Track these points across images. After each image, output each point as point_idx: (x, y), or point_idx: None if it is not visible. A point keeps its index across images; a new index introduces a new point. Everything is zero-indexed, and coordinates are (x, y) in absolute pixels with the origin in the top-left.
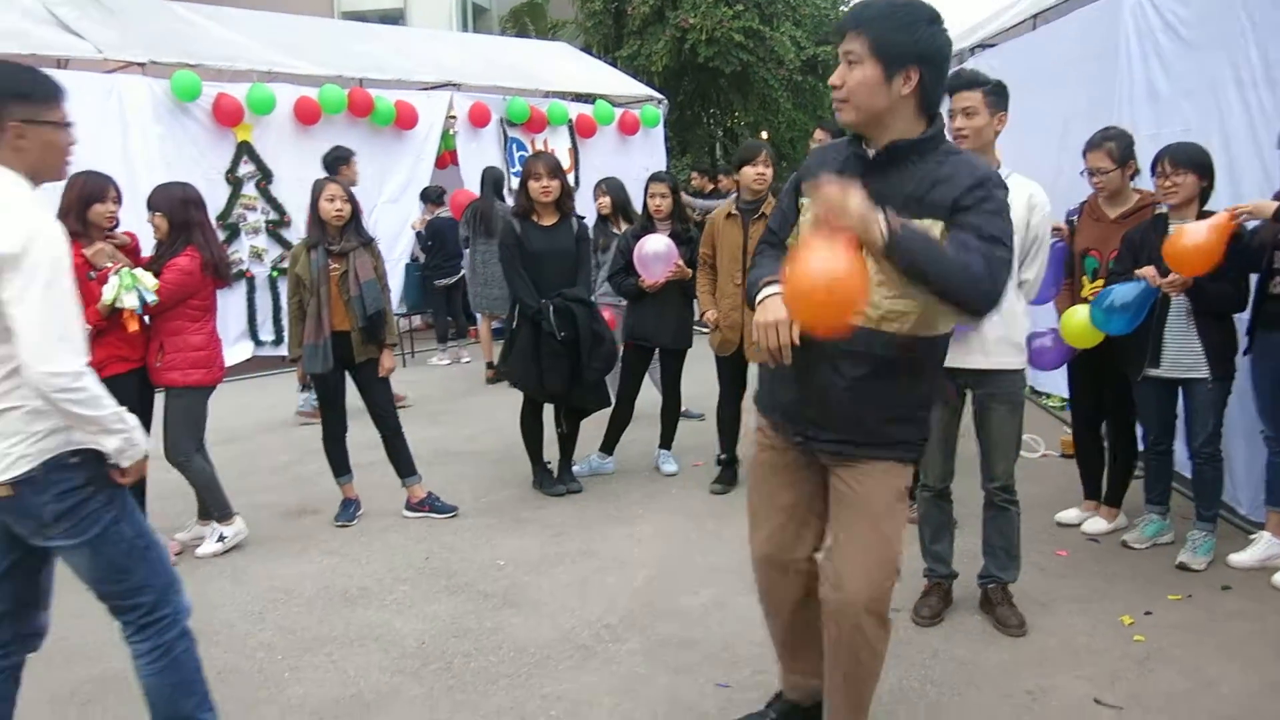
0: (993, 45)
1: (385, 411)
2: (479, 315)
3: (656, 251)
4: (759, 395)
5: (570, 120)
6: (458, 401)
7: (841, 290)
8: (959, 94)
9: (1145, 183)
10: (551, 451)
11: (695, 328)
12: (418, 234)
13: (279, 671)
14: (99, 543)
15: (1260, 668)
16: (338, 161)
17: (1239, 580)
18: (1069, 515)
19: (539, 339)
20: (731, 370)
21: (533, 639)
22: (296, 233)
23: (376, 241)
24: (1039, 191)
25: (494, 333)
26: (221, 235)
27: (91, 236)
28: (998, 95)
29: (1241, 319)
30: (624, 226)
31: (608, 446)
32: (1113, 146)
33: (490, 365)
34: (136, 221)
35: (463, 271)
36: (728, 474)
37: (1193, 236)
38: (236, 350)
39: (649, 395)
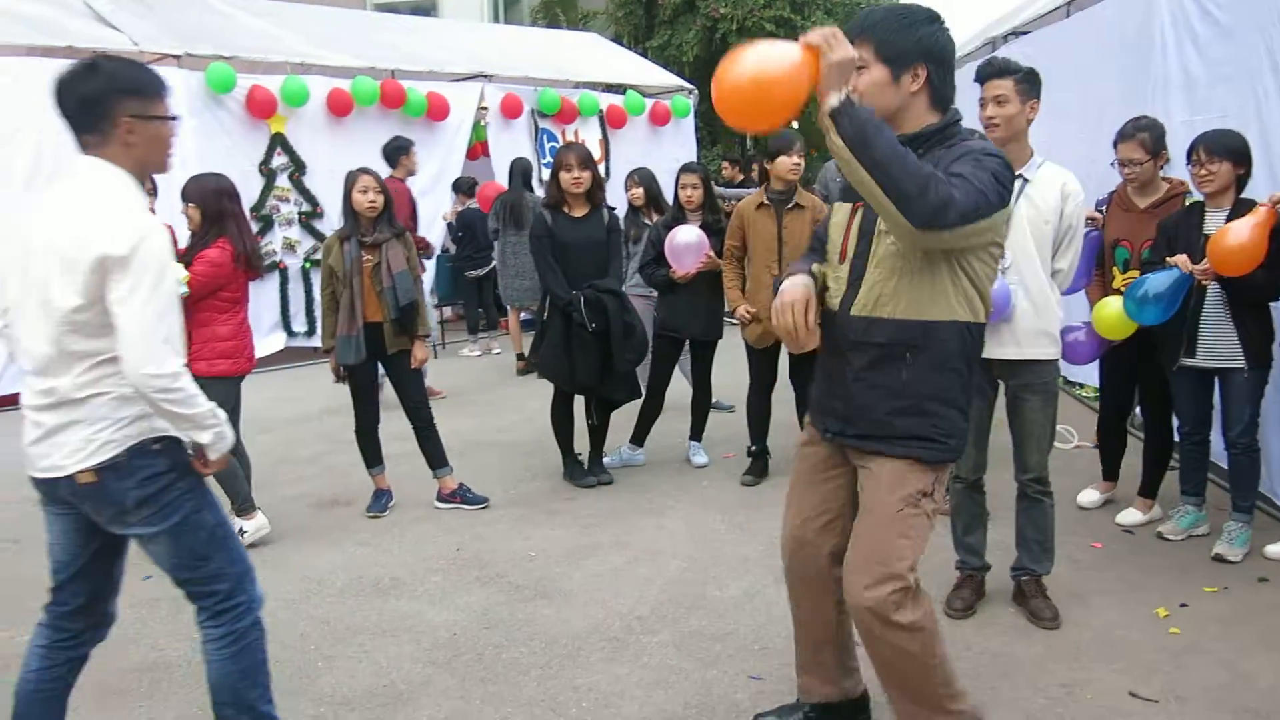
0: (1026, 33)
1: (418, 403)
2: (508, 307)
3: (688, 242)
4: (811, 389)
5: (601, 111)
6: (489, 393)
7: (765, 89)
8: (990, 82)
9: (1177, 171)
10: (582, 443)
11: (726, 319)
12: (448, 225)
13: (312, 661)
14: (180, 530)
15: None
16: (397, 151)
17: (1276, 572)
18: (1088, 497)
19: (570, 330)
20: (763, 362)
21: (564, 630)
22: (329, 224)
23: (409, 233)
24: (1072, 180)
25: (523, 324)
26: (255, 227)
27: None
28: (1029, 83)
29: (1278, 308)
30: (655, 217)
31: (638, 438)
32: (1145, 137)
33: (520, 357)
34: (172, 213)
35: (493, 263)
36: (758, 466)
37: (1236, 236)
38: (269, 341)
39: (679, 387)
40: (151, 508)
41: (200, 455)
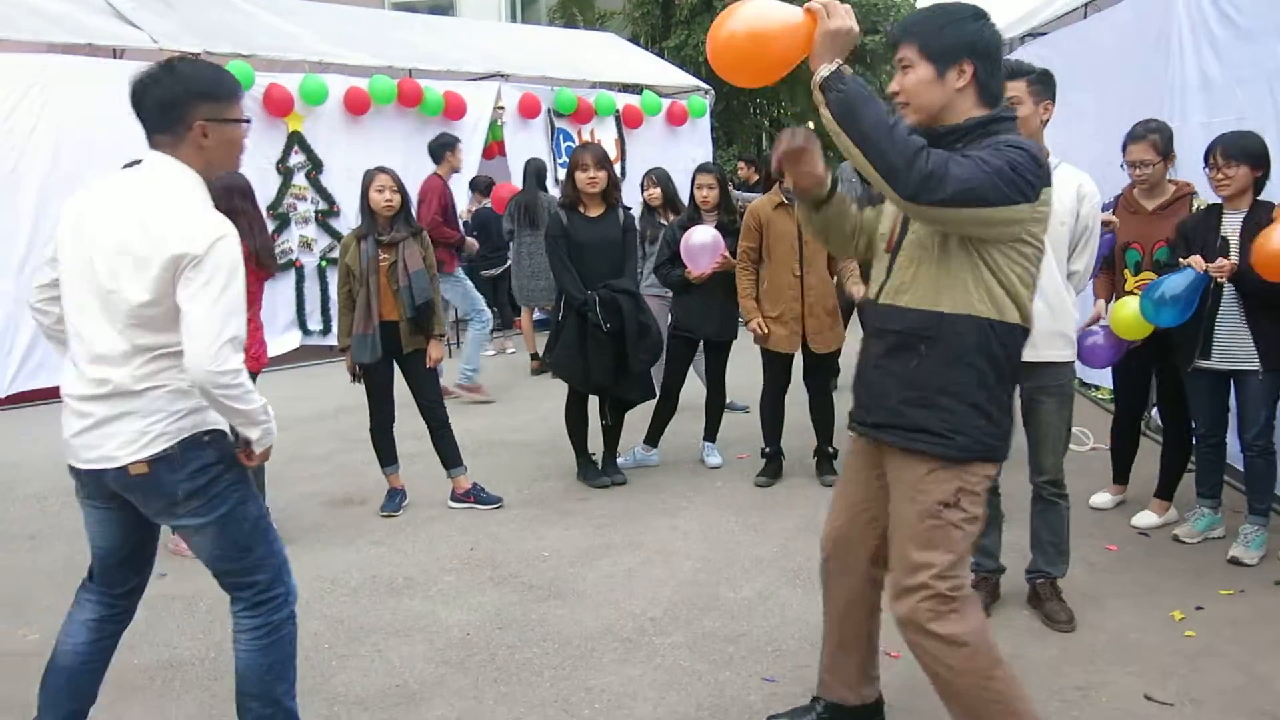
0: (1044, 34)
1: (433, 403)
2: (522, 307)
3: (703, 243)
4: None
5: (617, 111)
6: (503, 392)
7: (761, 43)
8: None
9: (1184, 173)
10: (596, 443)
11: (740, 320)
12: (464, 223)
13: (325, 660)
14: (226, 521)
15: None
16: (443, 148)
17: None
18: (1100, 499)
19: (585, 330)
20: (778, 364)
21: (577, 631)
22: (345, 222)
23: (425, 232)
24: (1088, 181)
25: (537, 324)
26: (272, 225)
27: None
28: (1043, 84)
29: None
30: (671, 218)
31: (652, 438)
32: (1156, 139)
33: (534, 357)
34: None
35: (508, 263)
36: (772, 467)
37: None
38: (285, 340)
39: (693, 387)
40: (200, 499)
41: (246, 448)
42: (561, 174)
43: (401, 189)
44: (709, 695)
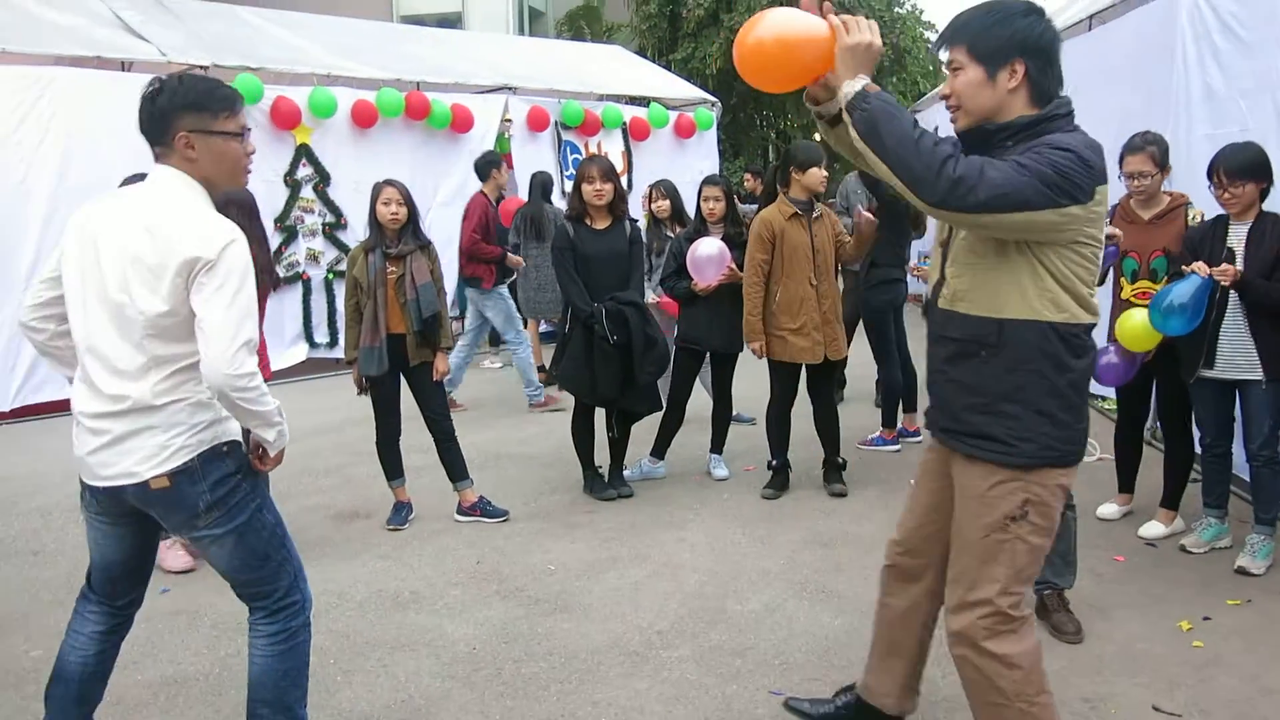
0: None
1: (439, 415)
2: (528, 319)
3: (709, 255)
4: None
5: (624, 123)
6: (509, 405)
7: (789, 50)
8: None
9: (1179, 184)
10: (602, 456)
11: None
12: None
13: (331, 675)
14: (245, 529)
15: None
16: (489, 165)
17: None
18: (1107, 510)
19: (591, 343)
20: (785, 377)
21: (583, 645)
22: (353, 235)
23: (433, 245)
24: None
25: (543, 336)
26: (279, 238)
27: None
28: None
29: None
30: (677, 229)
31: (659, 451)
32: (1155, 150)
33: (541, 369)
34: None
35: (514, 275)
36: (779, 480)
37: None
38: (291, 353)
39: (700, 399)
40: (220, 510)
41: (259, 452)
42: (568, 186)
43: (409, 202)
44: (716, 709)
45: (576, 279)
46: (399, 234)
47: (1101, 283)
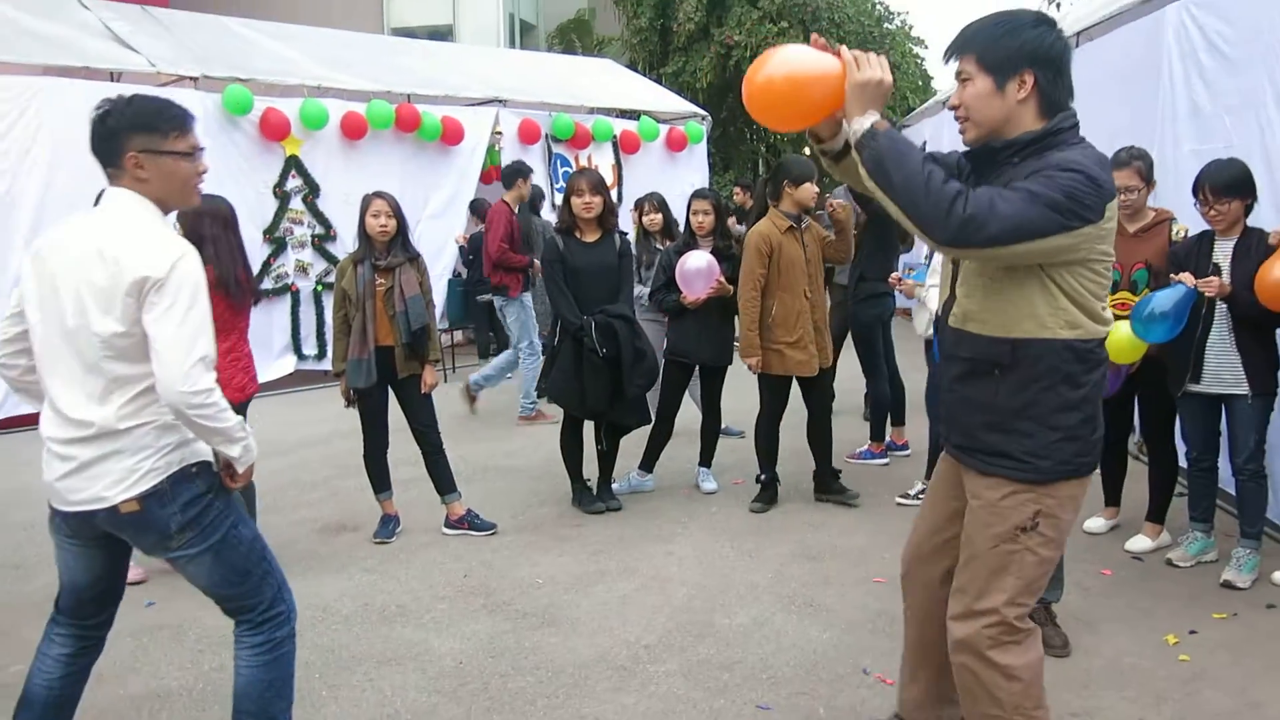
0: None
1: (427, 428)
2: None
3: (698, 268)
4: None
5: (615, 136)
6: (497, 418)
7: (799, 88)
8: None
9: (1163, 199)
10: (591, 469)
11: (736, 344)
12: (460, 248)
13: (316, 690)
14: (221, 547)
15: None
16: (515, 175)
17: None
18: (1094, 524)
19: (580, 355)
20: (776, 390)
21: (570, 659)
22: (342, 247)
23: (422, 257)
24: None
25: None
26: (268, 249)
27: None
28: None
29: None
30: (667, 243)
31: (647, 464)
32: (1141, 165)
33: None
34: None
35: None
36: (767, 494)
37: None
38: (280, 364)
39: (689, 412)
40: (193, 530)
41: (228, 470)
42: (559, 199)
43: (398, 214)
44: None
45: (566, 292)
46: (388, 246)
47: None
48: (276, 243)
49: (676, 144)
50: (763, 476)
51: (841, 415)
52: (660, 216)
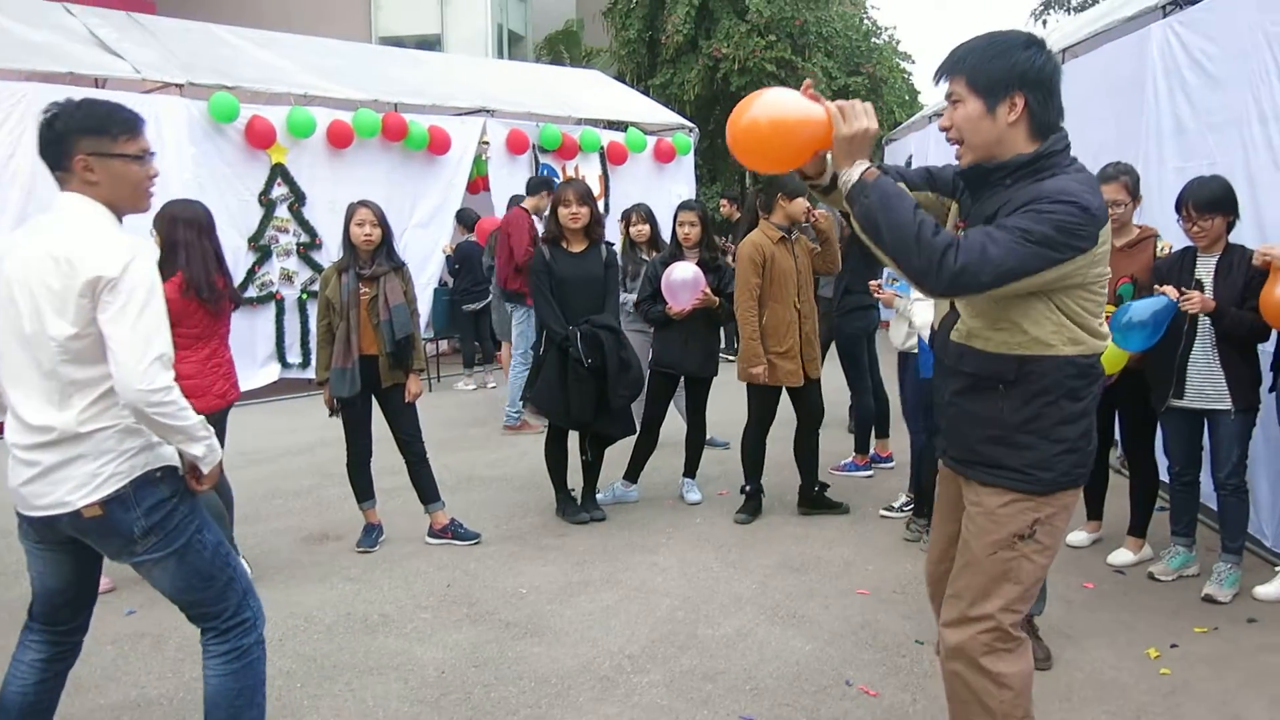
0: None
1: (411, 437)
2: (502, 341)
3: (684, 279)
4: None
5: (602, 147)
6: (482, 427)
7: (783, 133)
8: None
9: (1149, 215)
10: (575, 479)
11: (721, 356)
12: (446, 258)
13: (298, 700)
14: (185, 551)
15: None
16: (541, 185)
17: (1265, 612)
18: (1077, 538)
19: (566, 366)
20: (765, 401)
21: (553, 669)
22: (327, 256)
23: (407, 266)
24: None
25: None
26: (253, 257)
27: None
28: None
29: (1266, 352)
30: (653, 254)
31: (632, 474)
32: (1128, 180)
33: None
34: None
35: (490, 297)
36: (751, 504)
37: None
38: (264, 373)
39: (674, 423)
40: (157, 535)
41: (194, 472)
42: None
43: (383, 223)
44: None
45: (552, 302)
46: (373, 255)
47: None
48: (261, 251)
49: (664, 155)
50: (748, 487)
51: (826, 428)
52: (647, 228)
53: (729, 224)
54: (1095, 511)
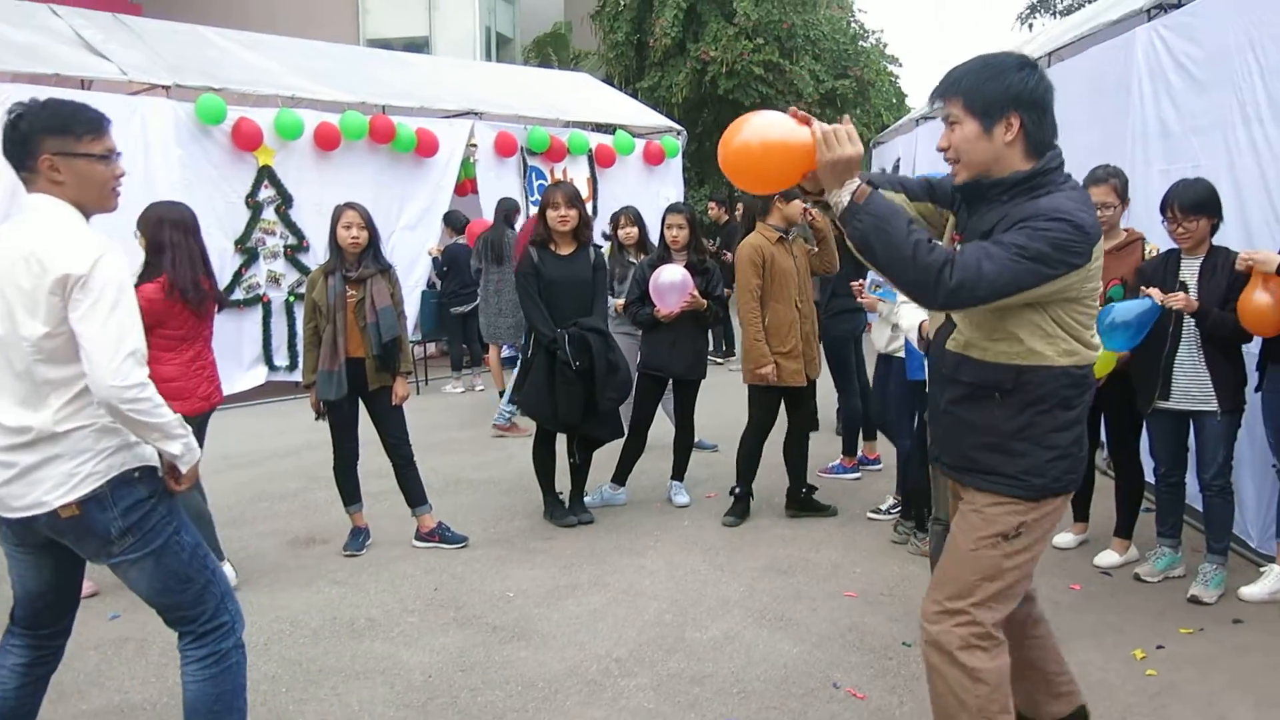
0: None
1: (398, 440)
2: (490, 344)
3: (672, 281)
4: None
5: (590, 150)
6: (470, 430)
7: (773, 155)
8: None
9: (1135, 219)
10: (563, 482)
11: (710, 358)
12: (434, 260)
13: (283, 705)
14: (163, 552)
15: (1273, 702)
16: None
17: (1250, 613)
18: (1063, 539)
19: (554, 368)
20: (769, 401)
21: (541, 673)
22: (314, 258)
23: (394, 268)
24: None
25: (505, 360)
26: (239, 259)
27: None
28: None
29: (1251, 353)
30: (641, 256)
31: (620, 477)
32: (1117, 183)
33: (502, 394)
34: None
35: (479, 300)
36: (740, 507)
37: (1260, 300)
38: (250, 375)
39: (662, 426)
40: (134, 535)
41: (172, 472)
42: (534, 212)
43: (370, 225)
44: None
45: (540, 304)
46: (359, 257)
47: None
48: (248, 253)
49: (653, 158)
50: (738, 490)
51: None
52: (636, 230)
53: (717, 227)
54: (1081, 513)
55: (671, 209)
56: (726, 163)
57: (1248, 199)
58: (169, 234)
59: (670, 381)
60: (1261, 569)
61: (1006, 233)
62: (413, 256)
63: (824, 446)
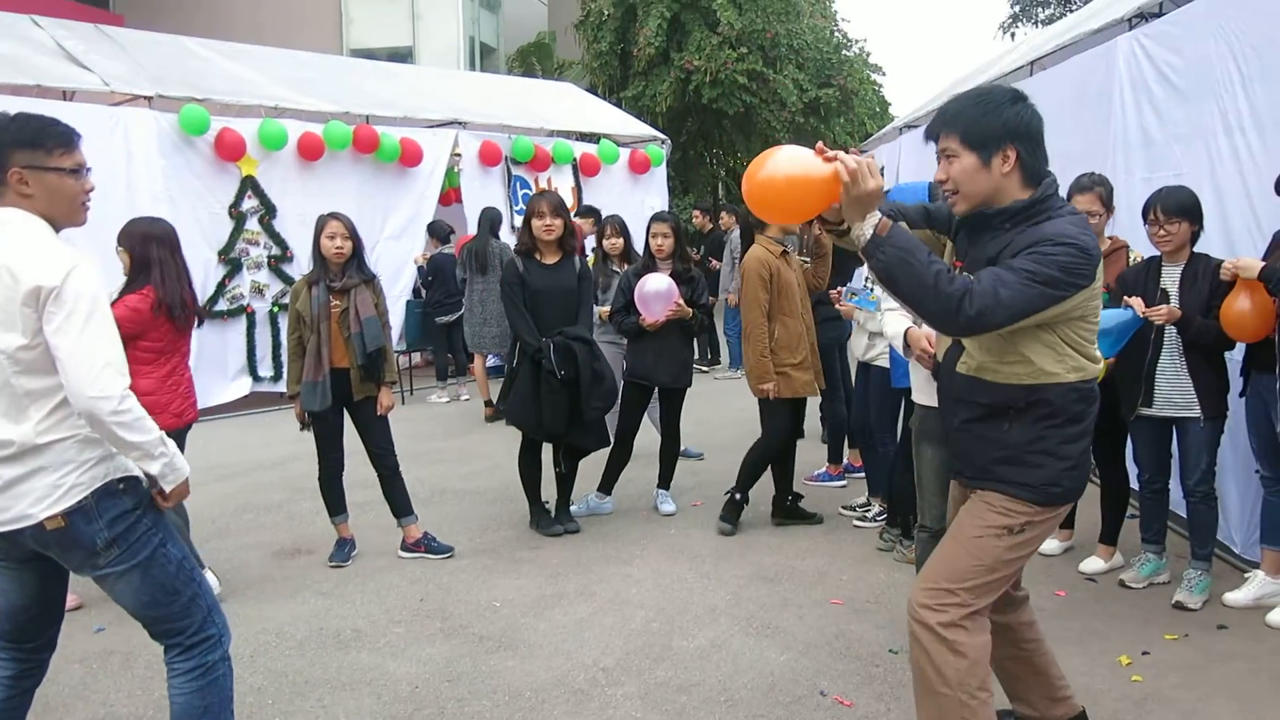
0: None
1: (383, 450)
2: (475, 353)
3: (657, 290)
4: None
5: (574, 159)
6: (455, 440)
7: (796, 188)
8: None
9: (1120, 227)
10: (549, 491)
11: (696, 367)
12: (419, 269)
13: (269, 717)
14: (149, 564)
15: (1257, 708)
16: (589, 212)
17: (1235, 619)
18: (1049, 546)
19: (539, 377)
20: (789, 412)
21: (527, 683)
22: (298, 268)
23: (378, 278)
24: None
25: (490, 370)
26: (223, 270)
27: None
28: None
29: (1235, 360)
30: (625, 266)
31: (606, 486)
32: (1102, 191)
33: (488, 404)
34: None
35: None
36: (737, 513)
37: (1241, 305)
38: (235, 386)
39: (648, 435)
40: (120, 547)
41: (158, 490)
42: (519, 221)
43: (354, 235)
44: None
45: (525, 314)
46: (343, 267)
47: None
48: (232, 264)
49: (637, 167)
50: (738, 495)
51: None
52: (621, 240)
53: (702, 235)
54: (1067, 520)
55: (656, 218)
56: (751, 195)
57: (1229, 207)
58: (155, 251)
59: (656, 390)
60: (1246, 575)
61: (1015, 258)
62: (397, 266)
63: (810, 454)
